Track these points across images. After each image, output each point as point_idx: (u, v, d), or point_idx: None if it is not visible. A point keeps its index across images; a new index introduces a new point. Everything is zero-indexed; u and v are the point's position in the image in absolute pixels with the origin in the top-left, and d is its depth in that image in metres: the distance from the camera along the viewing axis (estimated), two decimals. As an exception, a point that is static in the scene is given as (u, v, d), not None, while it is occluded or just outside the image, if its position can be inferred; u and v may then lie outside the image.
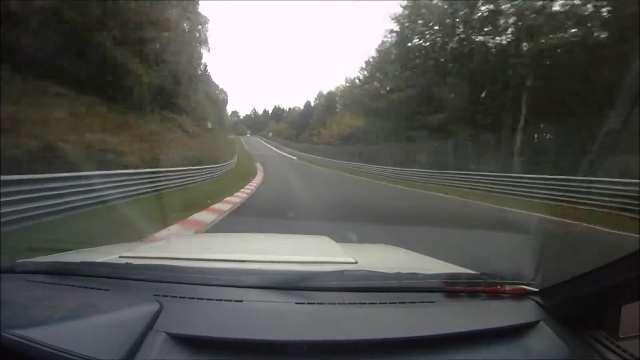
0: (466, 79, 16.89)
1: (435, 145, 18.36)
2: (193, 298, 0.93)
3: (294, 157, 46.28)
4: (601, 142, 9.27)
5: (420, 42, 20.73)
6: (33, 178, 5.81)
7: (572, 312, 0.92)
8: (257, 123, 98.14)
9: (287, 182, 17.71)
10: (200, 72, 29.60)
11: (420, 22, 20.40)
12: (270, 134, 78.03)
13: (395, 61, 22.53)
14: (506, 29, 16.52)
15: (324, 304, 0.94)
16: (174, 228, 6.01)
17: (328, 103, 55.58)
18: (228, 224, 6.87)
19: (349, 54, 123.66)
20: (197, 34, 27.25)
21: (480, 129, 15.94)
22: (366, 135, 27.65)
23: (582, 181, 9.04)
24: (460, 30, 18.60)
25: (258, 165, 29.12)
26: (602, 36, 13.06)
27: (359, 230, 4.28)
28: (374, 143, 25.11)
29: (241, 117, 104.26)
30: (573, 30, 13.74)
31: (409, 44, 21.27)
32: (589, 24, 13.22)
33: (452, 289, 1.04)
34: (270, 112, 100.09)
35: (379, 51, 26.23)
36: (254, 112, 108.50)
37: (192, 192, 11.51)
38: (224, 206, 8.73)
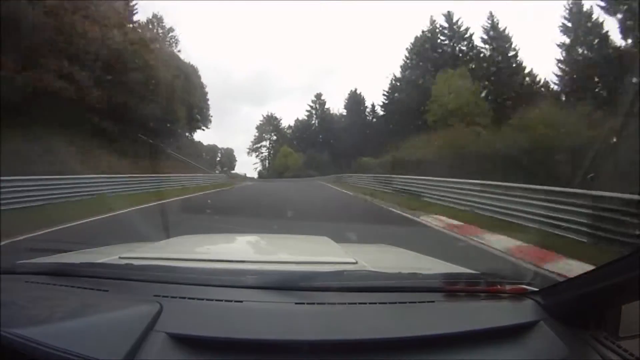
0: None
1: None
2: (193, 298, 0.93)
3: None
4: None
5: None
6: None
7: (572, 311, 0.92)
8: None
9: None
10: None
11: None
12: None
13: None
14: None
15: (324, 304, 0.94)
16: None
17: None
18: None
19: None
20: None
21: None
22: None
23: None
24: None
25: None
26: None
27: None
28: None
29: (286, 129, 51.42)
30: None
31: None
32: None
33: (452, 288, 1.04)
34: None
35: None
36: (316, 109, 46.43)
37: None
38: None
